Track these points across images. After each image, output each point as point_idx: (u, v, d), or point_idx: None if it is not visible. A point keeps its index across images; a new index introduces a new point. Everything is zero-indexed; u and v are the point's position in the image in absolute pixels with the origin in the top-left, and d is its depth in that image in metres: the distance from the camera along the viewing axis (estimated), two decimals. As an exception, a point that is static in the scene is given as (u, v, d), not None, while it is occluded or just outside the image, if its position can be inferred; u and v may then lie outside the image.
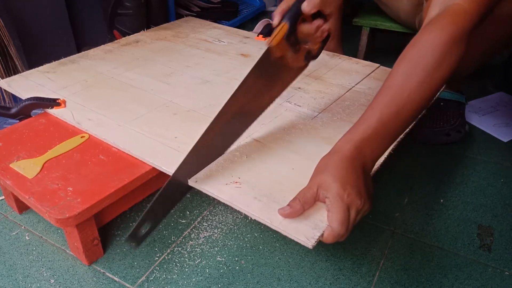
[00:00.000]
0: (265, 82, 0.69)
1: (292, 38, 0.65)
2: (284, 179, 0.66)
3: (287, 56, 0.68)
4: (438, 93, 0.72)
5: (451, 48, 0.60)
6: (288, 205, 0.57)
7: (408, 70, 0.60)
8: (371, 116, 0.59)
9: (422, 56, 0.60)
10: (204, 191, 0.64)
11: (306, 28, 0.67)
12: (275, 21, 0.64)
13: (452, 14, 0.62)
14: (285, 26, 0.63)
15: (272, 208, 0.59)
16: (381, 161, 0.66)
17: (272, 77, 0.70)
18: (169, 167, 0.68)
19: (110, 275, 0.69)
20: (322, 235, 0.55)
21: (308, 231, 0.55)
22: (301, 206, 0.56)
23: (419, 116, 0.65)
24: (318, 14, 0.66)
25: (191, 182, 0.65)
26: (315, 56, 0.73)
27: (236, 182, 0.64)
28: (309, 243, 0.54)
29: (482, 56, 0.90)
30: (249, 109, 0.70)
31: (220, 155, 0.70)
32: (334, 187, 0.54)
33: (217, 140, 0.68)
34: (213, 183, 0.64)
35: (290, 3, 0.64)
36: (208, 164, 0.68)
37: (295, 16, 0.64)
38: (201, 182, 0.64)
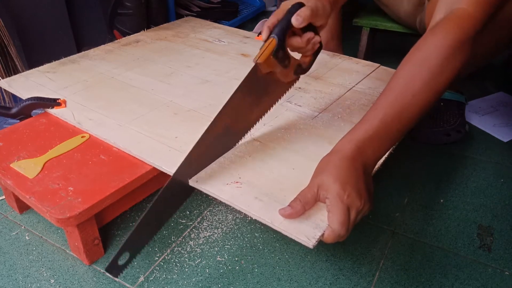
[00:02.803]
0: (254, 98, 0.67)
1: (281, 53, 0.63)
2: (284, 179, 0.66)
3: (276, 72, 0.66)
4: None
5: (456, 52, 0.60)
6: (289, 205, 0.57)
7: (413, 72, 0.60)
8: (373, 116, 0.59)
9: (427, 58, 0.60)
10: (204, 191, 0.64)
11: (296, 41, 0.64)
12: (264, 36, 0.63)
13: (457, 18, 0.62)
14: (273, 41, 0.61)
15: (273, 208, 0.59)
16: (382, 161, 0.66)
17: (261, 93, 0.68)
18: (170, 167, 0.68)
19: (110, 275, 0.69)
20: (323, 235, 0.55)
21: (309, 231, 0.55)
22: (302, 206, 0.56)
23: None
24: (308, 27, 0.64)
25: (191, 182, 0.65)
26: (305, 70, 0.70)
27: (237, 182, 0.64)
28: (310, 243, 0.54)
29: (483, 57, 0.90)
30: (236, 127, 0.69)
31: (207, 165, 0.68)
32: (334, 188, 0.54)
33: (204, 158, 0.66)
34: (213, 183, 0.64)
35: (279, 17, 0.63)
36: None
37: (284, 30, 0.62)
38: (202, 182, 0.64)
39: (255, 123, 0.72)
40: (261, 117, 0.72)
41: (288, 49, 0.65)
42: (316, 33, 0.66)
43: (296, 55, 0.68)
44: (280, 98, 0.73)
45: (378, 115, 0.59)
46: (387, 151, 0.63)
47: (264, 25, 0.63)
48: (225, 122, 0.65)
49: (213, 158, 0.68)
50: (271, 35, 0.62)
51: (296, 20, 0.61)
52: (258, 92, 0.67)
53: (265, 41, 0.62)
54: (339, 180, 0.54)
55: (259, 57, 0.61)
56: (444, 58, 0.60)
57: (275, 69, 0.65)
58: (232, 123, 0.67)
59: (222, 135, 0.67)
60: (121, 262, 0.58)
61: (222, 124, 0.64)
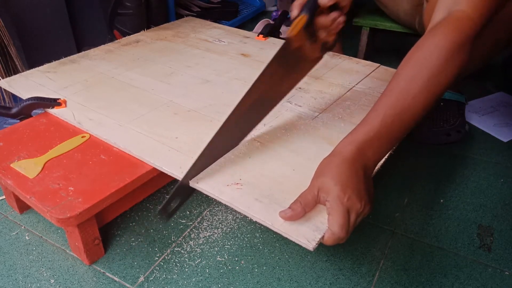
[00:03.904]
0: (284, 71, 0.72)
1: (310, 29, 0.69)
2: (285, 180, 0.66)
3: (305, 47, 0.71)
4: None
5: (455, 54, 0.60)
6: (289, 207, 0.57)
7: (413, 74, 0.60)
8: (374, 118, 0.59)
9: (427, 60, 0.60)
10: (205, 192, 0.64)
11: (323, 20, 0.69)
12: (294, 13, 0.67)
13: (456, 21, 0.62)
14: (304, 17, 0.67)
15: (273, 210, 0.59)
16: (382, 162, 0.66)
17: (291, 67, 0.73)
18: (170, 168, 0.68)
19: (110, 275, 0.69)
20: (323, 237, 0.55)
21: (309, 233, 0.55)
22: (302, 208, 0.56)
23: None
24: (334, 7, 0.69)
25: (192, 183, 0.65)
26: (330, 48, 0.76)
27: (237, 184, 0.64)
28: (310, 245, 0.54)
29: (482, 57, 0.90)
30: (268, 97, 0.73)
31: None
32: (334, 190, 0.54)
33: (232, 132, 0.70)
34: (214, 184, 0.64)
35: None
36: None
37: (313, 8, 0.67)
38: (202, 183, 0.64)
39: (282, 98, 0.77)
40: (288, 92, 0.77)
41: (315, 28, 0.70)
42: (341, 13, 0.70)
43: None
44: (305, 74, 0.78)
45: (379, 117, 0.59)
46: (388, 152, 0.63)
47: (294, 3, 0.68)
48: (259, 91, 0.69)
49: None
50: (302, 12, 0.67)
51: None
52: (288, 65, 0.72)
53: (296, 18, 0.67)
54: (339, 183, 0.54)
55: (291, 31, 0.66)
56: (443, 60, 0.60)
57: (304, 44, 0.70)
58: (264, 93, 0.71)
59: (254, 107, 0.71)
60: (172, 206, 0.64)
61: (255, 94, 0.68)
